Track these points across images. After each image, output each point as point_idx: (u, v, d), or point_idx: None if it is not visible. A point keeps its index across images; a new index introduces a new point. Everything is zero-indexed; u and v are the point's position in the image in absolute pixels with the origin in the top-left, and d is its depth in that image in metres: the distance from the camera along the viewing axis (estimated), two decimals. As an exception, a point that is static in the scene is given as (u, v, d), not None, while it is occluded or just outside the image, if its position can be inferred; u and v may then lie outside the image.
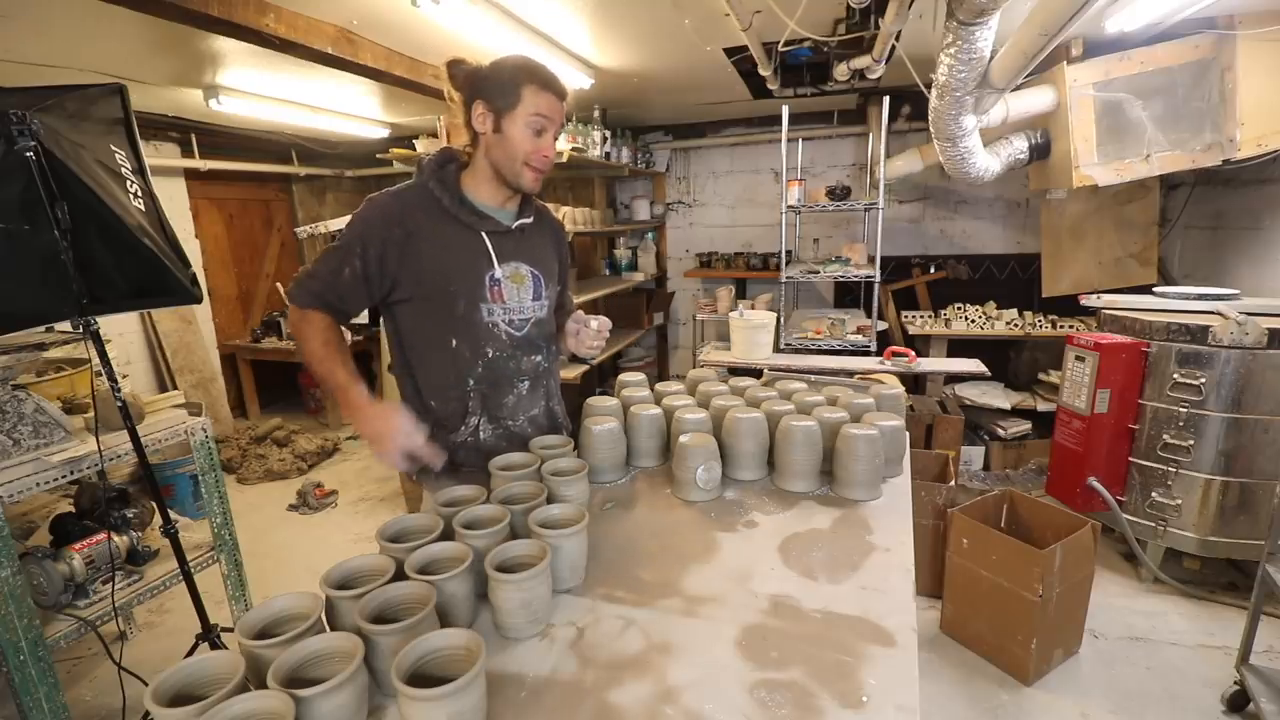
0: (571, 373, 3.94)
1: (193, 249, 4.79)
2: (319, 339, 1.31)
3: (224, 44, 2.73)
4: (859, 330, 3.76)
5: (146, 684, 0.70)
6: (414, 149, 4.54)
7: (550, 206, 4.45)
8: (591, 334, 1.46)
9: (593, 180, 5.27)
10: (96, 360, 1.72)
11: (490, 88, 1.28)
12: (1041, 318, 4.09)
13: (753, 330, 3.29)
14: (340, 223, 4.50)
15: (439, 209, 1.33)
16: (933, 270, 4.78)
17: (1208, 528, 2.59)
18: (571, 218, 4.05)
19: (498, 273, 1.36)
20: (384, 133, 4.89)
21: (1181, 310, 2.80)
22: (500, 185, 1.36)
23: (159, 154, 4.47)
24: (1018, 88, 2.83)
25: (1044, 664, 2.21)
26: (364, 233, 1.30)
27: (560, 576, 1.01)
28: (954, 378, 4.17)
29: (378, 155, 5.25)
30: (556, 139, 1.36)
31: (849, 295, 5.02)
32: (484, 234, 1.35)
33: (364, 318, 5.50)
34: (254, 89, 3.60)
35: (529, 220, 1.44)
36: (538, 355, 1.46)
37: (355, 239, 1.29)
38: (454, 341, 1.36)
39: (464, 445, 1.40)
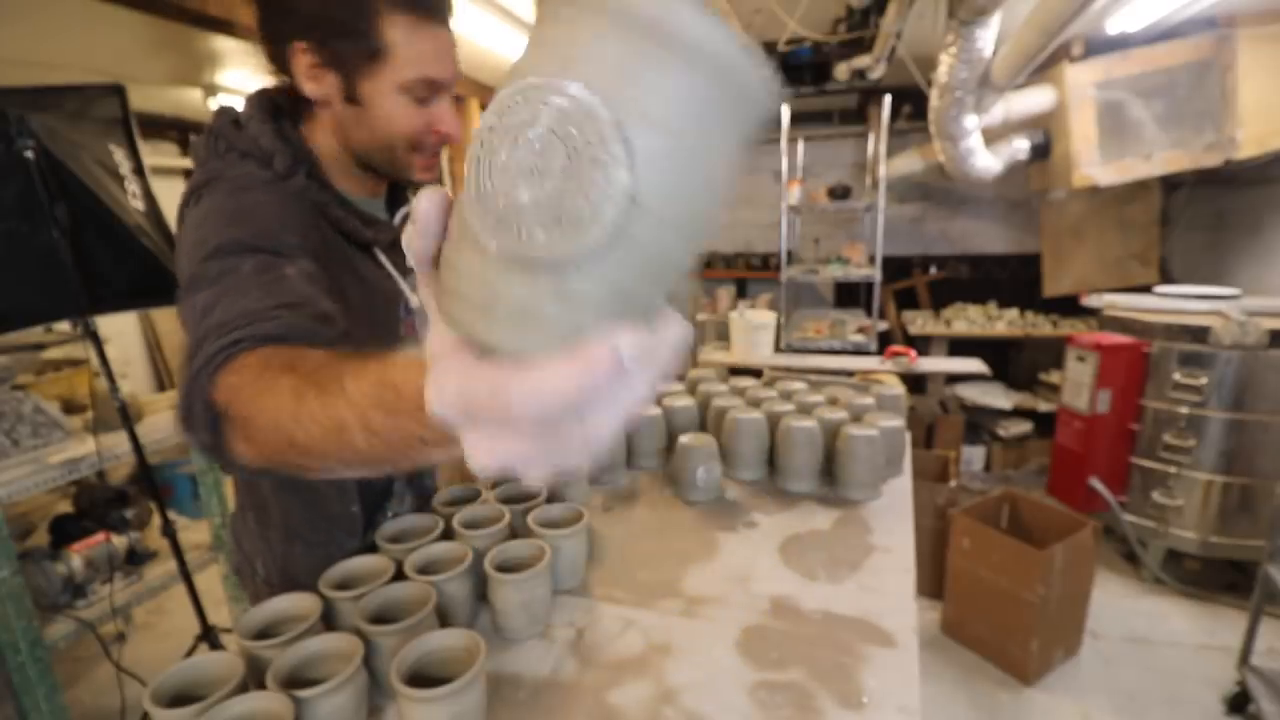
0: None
1: (193, 249, 4.78)
2: (287, 388, 0.48)
3: (224, 44, 2.72)
4: (859, 330, 3.76)
5: (145, 684, 0.70)
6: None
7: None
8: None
9: (593, 180, 5.26)
10: (95, 360, 1.72)
11: (321, 23, 0.73)
12: (1042, 318, 4.09)
13: (753, 330, 3.29)
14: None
15: (313, 218, 0.80)
16: (933, 270, 4.78)
17: (1209, 528, 2.58)
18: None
19: (411, 299, 0.92)
20: (384, 133, 4.89)
21: (1182, 310, 2.80)
22: (367, 178, 0.90)
23: (158, 154, 4.47)
24: (1018, 87, 2.83)
25: (1044, 665, 2.20)
26: (276, 228, 0.72)
27: (560, 577, 1.00)
28: (955, 378, 4.17)
29: (378, 155, 5.26)
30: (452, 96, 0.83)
31: (849, 295, 5.02)
32: (375, 249, 0.88)
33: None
34: (253, 89, 3.60)
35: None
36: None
37: (265, 235, 0.70)
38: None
39: (375, 539, 0.95)
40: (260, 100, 0.81)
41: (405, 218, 0.76)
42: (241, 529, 0.97)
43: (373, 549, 0.93)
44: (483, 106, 3.61)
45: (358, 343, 0.54)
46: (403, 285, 0.91)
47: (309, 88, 0.77)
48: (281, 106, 0.83)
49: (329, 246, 0.81)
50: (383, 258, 0.89)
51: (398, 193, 0.97)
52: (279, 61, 0.78)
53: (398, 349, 0.42)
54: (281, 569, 0.93)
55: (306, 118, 0.84)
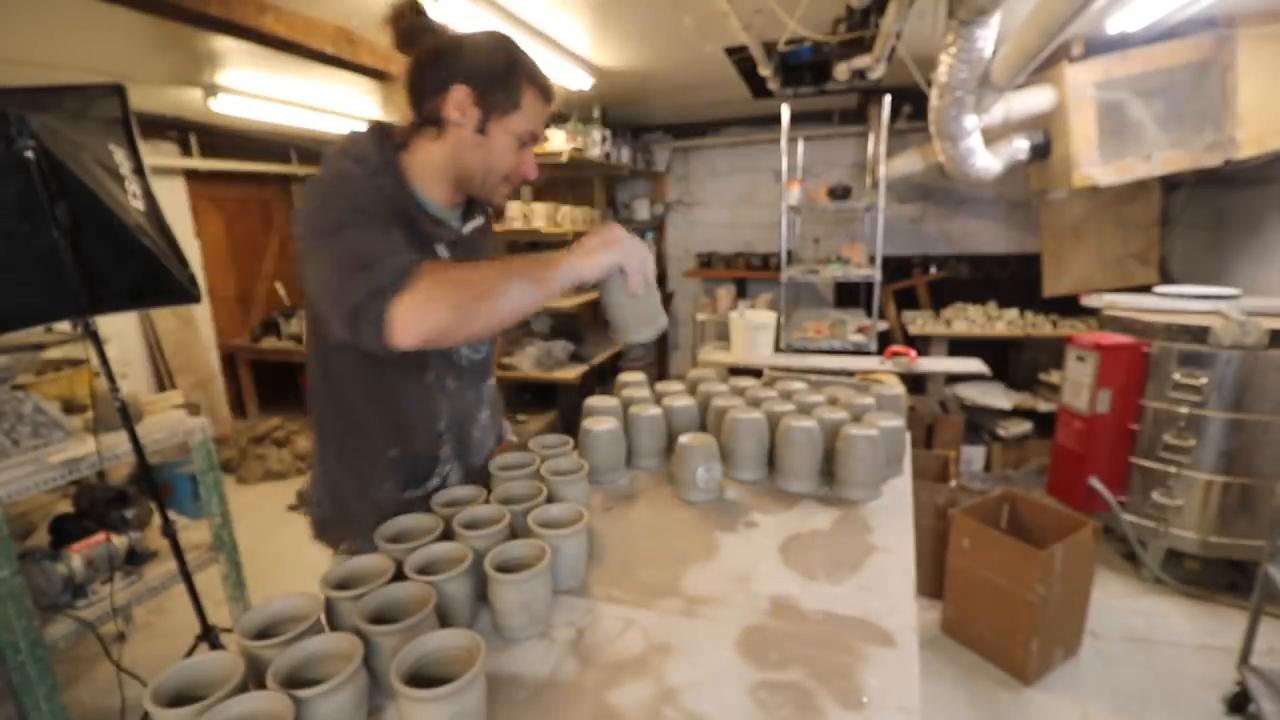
0: (571, 373, 3.94)
1: (192, 249, 4.79)
2: (474, 268, 0.93)
3: (224, 43, 2.72)
4: (859, 330, 3.76)
5: (145, 684, 0.70)
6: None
7: (550, 206, 4.41)
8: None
9: (592, 180, 5.27)
10: (95, 360, 1.72)
11: (482, 76, 0.99)
12: (1042, 318, 4.09)
13: (753, 330, 3.29)
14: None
15: (393, 211, 1.00)
16: (933, 270, 4.78)
17: (1208, 528, 2.59)
18: (571, 218, 4.05)
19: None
20: (384, 133, 4.88)
21: (1182, 310, 2.80)
22: (452, 190, 1.10)
23: (158, 154, 4.47)
24: (1018, 87, 2.83)
25: (1044, 664, 2.20)
26: (364, 205, 0.95)
27: (560, 577, 1.00)
28: (954, 378, 4.17)
29: (378, 155, 5.26)
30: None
31: (849, 295, 5.02)
32: (440, 245, 1.09)
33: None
34: (253, 89, 3.60)
35: (479, 222, 1.19)
36: (490, 377, 1.30)
37: (356, 213, 0.93)
38: (428, 374, 1.12)
39: (422, 499, 1.13)
40: (374, 126, 1.07)
41: (476, 229, 1.17)
42: (315, 464, 1.20)
43: (422, 506, 1.09)
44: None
45: None
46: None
47: (453, 115, 1.01)
48: (389, 133, 1.07)
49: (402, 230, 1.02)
50: (441, 249, 1.10)
51: (472, 207, 1.18)
52: (422, 93, 1.02)
53: None
54: (337, 500, 1.16)
55: (412, 140, 1.06)
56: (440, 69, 1.00)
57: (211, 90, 3.50)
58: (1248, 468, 2.51)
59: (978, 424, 4.08)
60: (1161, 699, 2.12)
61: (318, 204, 0.95)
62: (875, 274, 3.48)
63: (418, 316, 0.84)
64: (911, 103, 4.28)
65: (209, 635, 1.98)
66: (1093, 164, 3.09)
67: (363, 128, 1.06)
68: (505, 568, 0.92)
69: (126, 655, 2.08)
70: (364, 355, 0.99)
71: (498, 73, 1.00)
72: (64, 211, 1.57)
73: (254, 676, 0.74)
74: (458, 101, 0.99)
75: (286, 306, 5.14)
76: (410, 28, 1.01)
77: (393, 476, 1.14)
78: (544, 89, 1.05)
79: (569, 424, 4.10)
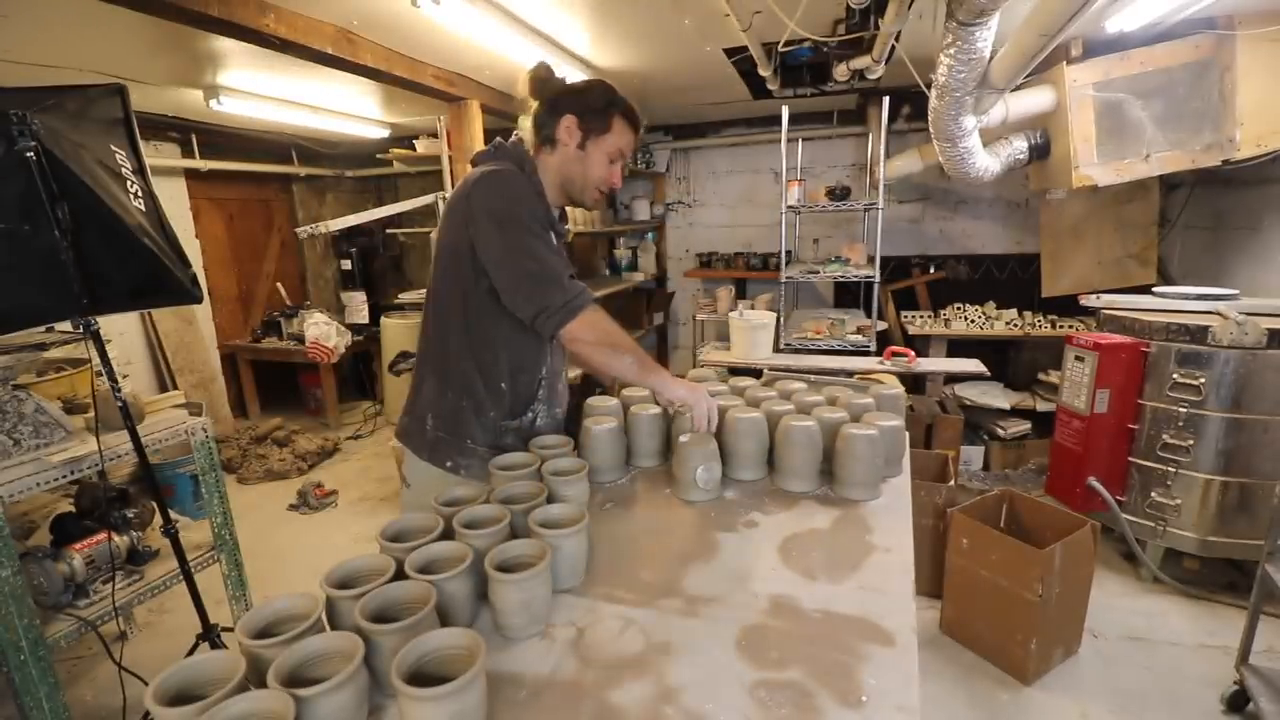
0: (571, 373, 3.94)
1: (193, 249, 4.79)
2: (620, 330, 1.37)
3: (224, 44, 2.73)
4: (859, 330, 3.76)
5: (147, 684, 0.70)
6: (414, 149, 4.54)
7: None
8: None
9: (593, 180, 5.26)
10: (97, 360, 1.72)
11: (584, 108, 1.36)
12: (1041, 318, 4.09)
13: (753, 330, 3.30)
14: (341, 223, 4.49)
15: (544, 212, 1.36)
16: (932, 270, 4.78)
17: (1207, 528, 2.59)
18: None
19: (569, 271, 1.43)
20: (384, 133, 4.89)
21: (1181, 310, 2.81)
22: (560, 195, 1.43)
23: (159, 154, 4.47)
24: (1017, 88, 2.83)
25: (1044, 664, 2.21)
26: (537, 211, 1.32)
27: (560, 576, 1.01)
28: (954, 378, 4.17)
29: (378, 155, 5.26)
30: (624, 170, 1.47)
31: (849, 295, 5.02)
32: (558, 241, 1.43)
33: (365, 317, 5.48)
34: (254, 89, 3.60)
35: (568, 227, 1.55)
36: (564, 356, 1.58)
37: (534, 219, 1.31)
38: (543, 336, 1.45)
39: (515, 430, 1.45)
40: (516, 140, 1.43)
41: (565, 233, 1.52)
42: (415, 399, 1.47)
43: (515, 438, 1.45)
44: (483, 107, 3.61)
45: None
46: (560, 252, 1.41)
47: (564, 136, 1.37)
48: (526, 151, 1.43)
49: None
50: (553, 239, 1.39)
51: (563, 211, 1.51)
52: (545, 124, 1.38)
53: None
54: (452, 420, 1.43)
55: (536, 156, 1.41)
56: (559, 105, 1.37)
57: (212, 91, 3.50)
58: (1246, 467, 2.52)
59: (977, 424, 4.08)
60: (1161, 698, 2.12)
61: (496, 193, 1.30)
62: (875, 274, 3.49)
63: (580, 333, 1.30)
64: (911, 103, 4.28)
65: (210, 634, 1.98)
66: (1092, 164, 3.09)
67: (504, 140, 1.42)
68: (505, 567, 0.93)
69: (128, 654, 2.08)
70: (510, 313, 1.33)
71: (596, 107, 1.37)
72: (65, 212, 1.57)
73: (255, 676, 0.74)
74: (567, 126, 1.36)
75: (287, 306, 5.14)
76: (544, 81, 1.40)
77: (501, 405, 1.43)
78: (630, 119, 1.40)
79: (569, 424, 4.10)
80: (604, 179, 1.41)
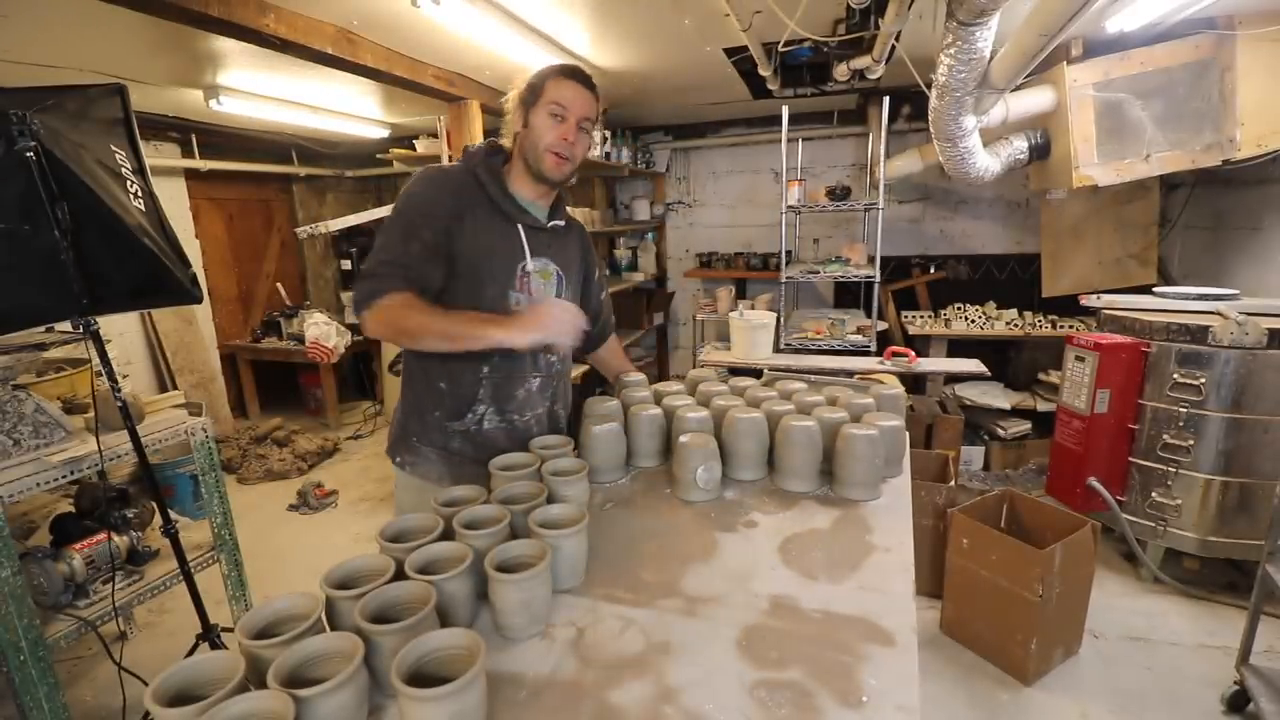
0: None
1: (193, 249, 4.79)
2: (422, 311, 1.25)
3: (224, 44, 2.73)
4: (859, 330, 3.76)
5: (146, 684, 0.70)
6: (414, 149, 4.54)
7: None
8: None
9: (593, 180, 5.27)
10: (97, 360, 1.72)
11: (524, 90, 1.37)
12: (1041, 318, 4.09)
13: (753, 330, 3.29)
14: (342, 223, 4.49)
15: (483, 195, 1.36)
16: (933, 270, 4.78)
17: (1207, 528, 2.59)
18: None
19: (529, 265, 1.41)
20: (384, 133, 4.89)
21: (1181, 310, 2.81)
22: (534, 181, 1.40)
23: (159, 154, 4.47)
24: (1018, 88, 2.83)
25: (1044, 664, 2.21)
26: (425, 206, 1.31)
27: (560, 576, 1.01)
28: (954, 378, 4.17)
29: (378, 155, 5.25)
30: (588, 133, 1.39)
31: (849, 295, 5.02)
32: (520, 226, 1.40)
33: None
34: (254, 89, 3.60)
35: (560, 223, 1.49)
36: (553, 355, 1.50)
37: (417, 212, 1.30)
38: None
39: (463, 434, 1.43)
40: (487, 141, 1.46)
41: (560, 229, 1.50)
42: (400, 406, 1.51)
43: (463, 439, 1.45)
44: (483, 107, 3.61)
45: (485, 271, 1.36)
46: (525, 251, 1.41)
47: (514, 123, 1.38)
48: (499, 149, 1.44)
49: (479, 211, 1.36)
50: (521, 231, 1.41)
51: (557, 210, 1.49)
52: (506, 122, 1.41)
53: (509, 284, 1.39)
54: (404, 417, 1.48)
55: (511, 155, 1.43)
56: (519, 100, 1.39)
57: (212, 90, 3.50)
58: (1247, 467, 2.52)
59: (977, 424, 4.08)
60: (1161, 698, 2.12)
61: (404, 189, 1.34)
62: (875, 274, 3.48)
63: (374, 330, 1.29)
64: (911, 103, 4.28)
65: (210, 635, 1.98)
66: (1092, 164, 3.09)
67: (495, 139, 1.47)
68: (505, 567, 0.93)
69: (127, 654, 2.08)
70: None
71: (532, 82, 1.36)
72: (65, 212, 1.57)
73: (255, 676, 0.74)
74: (514, 114, 1.38)
75: (287, 307, 5.14)
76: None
77: (442, 405, 1.42)
78: (565, 71, 1.35)
79: (569, 424, 4.10)
80: (553, 141, 1.33)
